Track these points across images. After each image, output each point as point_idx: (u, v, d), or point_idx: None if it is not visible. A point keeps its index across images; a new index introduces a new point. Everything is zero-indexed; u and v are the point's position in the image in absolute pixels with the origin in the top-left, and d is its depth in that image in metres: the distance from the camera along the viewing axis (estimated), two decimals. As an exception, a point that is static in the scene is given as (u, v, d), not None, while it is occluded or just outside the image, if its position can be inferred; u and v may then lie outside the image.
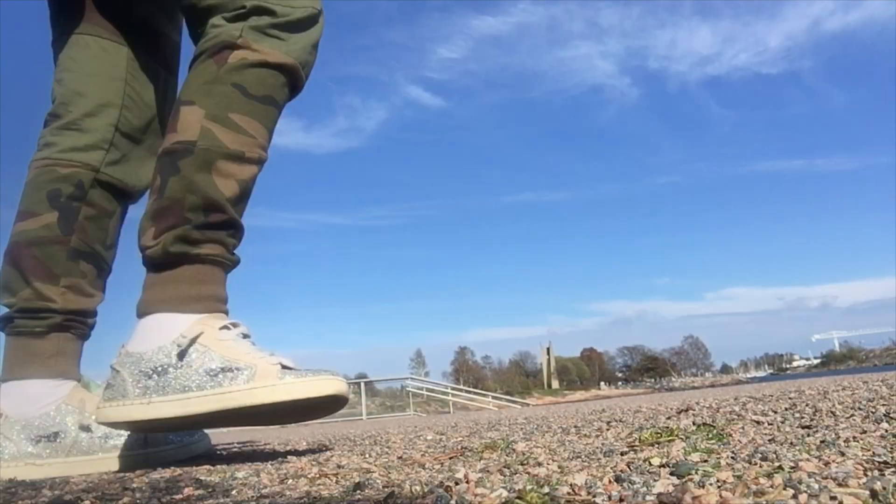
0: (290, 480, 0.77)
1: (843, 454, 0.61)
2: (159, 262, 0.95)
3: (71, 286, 1.11)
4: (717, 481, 0.53)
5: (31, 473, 1.03)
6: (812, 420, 0.89)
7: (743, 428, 0.87)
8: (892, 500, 0.44)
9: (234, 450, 1.50)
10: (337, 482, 0.73)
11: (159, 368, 0.92)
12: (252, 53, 0.97)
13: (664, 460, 0.66)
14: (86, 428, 1.08)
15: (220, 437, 5.56)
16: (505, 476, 0.66)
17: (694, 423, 0.97)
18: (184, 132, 0.95)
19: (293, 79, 1.03)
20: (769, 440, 0.74)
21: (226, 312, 0.99)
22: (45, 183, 1.12)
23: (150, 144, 1.20)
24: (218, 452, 1.39)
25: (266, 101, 0.99)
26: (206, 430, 1.23)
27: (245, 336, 0.99)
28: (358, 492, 0.65)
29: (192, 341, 0.92)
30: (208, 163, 0.94)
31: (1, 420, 1.06)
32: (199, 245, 0.95)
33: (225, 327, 0.95)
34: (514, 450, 0.89)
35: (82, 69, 1.16)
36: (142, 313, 0.97)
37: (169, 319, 0.94)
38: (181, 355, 0.92)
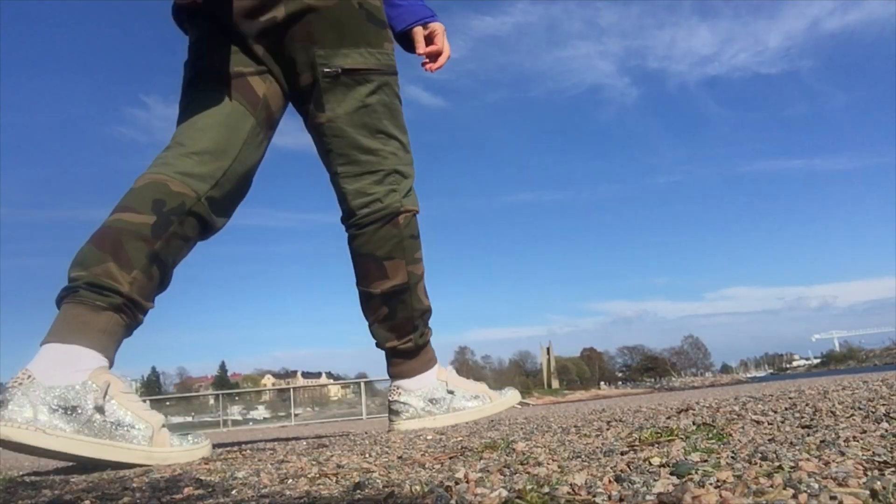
0: (290, 480, 0.77)
1: (843, 454, 0.61)
2: (411, 351, 1.56)
3: (138, 280, 1.20)
4: (717, 481, 0.53)
5: (38, 441, 1.04)
6: (812, 420, 0.89)
7: (743, 428, 0.87)
8: (892, 500, 0.44)
9: (234, 450, 1.50)
10: (337, 482, 0.73)
11: (437, 399, 1.58)
12: (409, 213, 1.52)
13: (664, 460, 0.66)
14: (100, 409, 1.09)
15: (220, 437, 5.56)
16: (505, 476, 0.66)
17: (694, 423, 0.97)
18: (395, 278, 1.50)
19: None
20: (769, 440, 0.74)
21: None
22: (154, 192, 1.26)
23: (236, 196, 1.44)
24: (218, 453, 1.39)
25: (418, 234, 1.56)
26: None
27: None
28: (358, 492, 0.65)
29: (447, 383, 1.60)
30: (416, 290, 1.53)
31: (27, 381, 1.07)
32: (427, 333, 1.59)
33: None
34: (514, 449, 0.89)
35: (216, 119, 1.37)
36: (410, 375, 1.59)
37: (431, 373, 1.61)
38: (450, 391, 1.59)
